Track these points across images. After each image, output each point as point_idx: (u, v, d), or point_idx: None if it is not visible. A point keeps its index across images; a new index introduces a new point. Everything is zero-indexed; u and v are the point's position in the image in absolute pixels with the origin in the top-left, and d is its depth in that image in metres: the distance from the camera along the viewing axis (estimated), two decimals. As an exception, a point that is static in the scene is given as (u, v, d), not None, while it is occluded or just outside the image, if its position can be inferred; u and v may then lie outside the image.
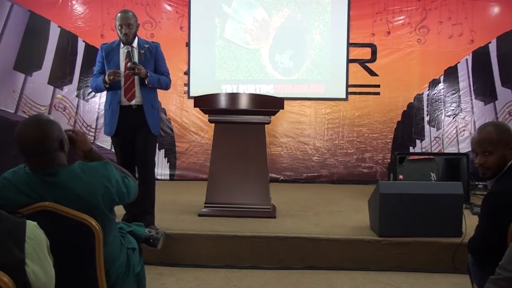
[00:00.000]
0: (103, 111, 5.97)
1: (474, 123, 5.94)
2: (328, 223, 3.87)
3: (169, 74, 3.72)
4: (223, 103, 4.01)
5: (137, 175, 3.71)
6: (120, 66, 3.53)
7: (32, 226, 1.39)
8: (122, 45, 3.56)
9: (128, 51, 3.47)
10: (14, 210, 1.60)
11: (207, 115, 4.16)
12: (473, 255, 2.16)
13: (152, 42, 3.72)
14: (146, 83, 3.50)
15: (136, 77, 3.48)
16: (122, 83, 3.51)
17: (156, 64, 3.62)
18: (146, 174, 3.64)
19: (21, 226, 1.36)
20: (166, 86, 3.71)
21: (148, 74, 3.48)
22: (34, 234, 1.38)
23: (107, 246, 1.83)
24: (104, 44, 3.68)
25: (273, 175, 5.75)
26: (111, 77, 3.42)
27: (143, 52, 3.53)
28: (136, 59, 3.49)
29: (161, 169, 5.83)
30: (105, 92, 3.65)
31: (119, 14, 3.52)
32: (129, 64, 3.43)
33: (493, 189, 2.10)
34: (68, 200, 1.75)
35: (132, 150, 3.62)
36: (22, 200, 1.73)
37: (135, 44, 3.56)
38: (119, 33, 3.50)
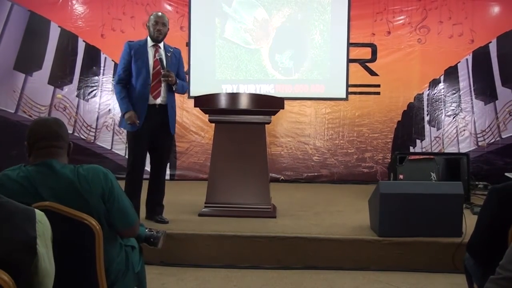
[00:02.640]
0: (103, 111, 6.05)
1: (474, 123, 5.94)
2: (328, 223, 3.88)
3: (186, 80, 4.04)
4: (223, 103, 4.01)
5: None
6: (149, 65, 3.68)
7: (40, 213, 1.43)
8: (150, 43, 3.71)
9: (160, 58, 3.63)
10: None
11: (207, 115, 4.16)
12: (469, 252, 2.15)
13: (175, 48, 3.89)
14: (174, 89, 3.72)
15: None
16: (150, 80, 3.66)
17: (178, 68, 3.82)
18: (161, 171, 3.90)
19: (32, 211, 1.41)
20: (185, 90, 4.02)
21: (177, 82, 3.70)
22: (43, 220, 1.42)
23: (105, 245, 1.83)
24: (130, 41, 3.79)
25: (273, 175, 5.75)
26: (128, 122, 3.61)
27: (169, 55, 3.74)
28: (165, 64, 3.66)
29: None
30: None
31: (155, 13, 3.78)
32: (163, 71, 3.62)
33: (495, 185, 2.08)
34: (64, 193, 1.77)
35: (147, 148, 3.76)
36: (21, 196, 1.73)
37: (161, 46, 3.74)
38: (151, 29, 3.69)
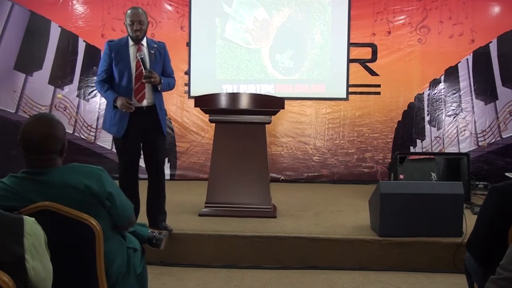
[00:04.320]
0: (103, 111, 6.03)
1: (475, 123, 5.93)
2: (328, 223, 3.88)
3: (173, 74, 3.72)
4: (223, 103, 4.01)
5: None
6: (130, 67, 3.44)
7: (30, 222, 1.39)
8: (131, 43, 3.47)
9: (141, 58, 3.37)
10: None
11: (207, 115, 4.16)
12: (469, 251, 2.15)
13: (159, 42, 3.64)
14: (159, 89, 3.47)
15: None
16: (133, 84, 3.44)
17: (164, 65, 3.59)
18: (159, 175, 3.63)
19: (19, 222, 1.36)
20: (172, 87, 3.73)
21: (162, 81, 3.45)
22: (33, 230, 1.38)
23: (105, 245, 1.83)
24: (110, 41, 3.55)
25: (274, 175, 5.74)
26: (123, 109, 3.35)
27: (153, 52, 3.48)
28: (148, 63, 3.42)
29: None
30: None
31: (129, 11, 3.45)
32: (144, 72, 3.36)
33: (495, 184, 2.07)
34: (58, 198, 1.75)
35: (138, 152, 3.57)
36: (14, 205, 1.72)
37: (144, 43, 3.49)
38: (129, 29, 3.42)
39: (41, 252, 1.38)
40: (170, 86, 3.65)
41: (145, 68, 3.37)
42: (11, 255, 1.29)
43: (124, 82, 3.43)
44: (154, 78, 3.38)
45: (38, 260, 1.36)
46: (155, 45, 3.53)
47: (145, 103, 3.47)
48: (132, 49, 3.45)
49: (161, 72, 3.52)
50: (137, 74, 3.43)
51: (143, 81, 3.39)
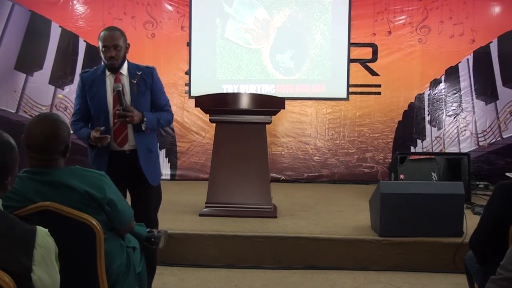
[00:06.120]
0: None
1: (475, 122, 5.93)
2: (329, 223, 3.88)
3: (170, 106, 2.99)
4: (224, 103, 4.01)
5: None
6: (107, 102, 2.77)
7: (42, 234, 1.38)
8: (108, 72, 2.79)
9: (118, 91, 2.68)
10: None
11: (208, 115, 4.16)
12: (471, 247, 2.15)
13: (146, 66, 2.89)
14: (143, 129, 2.77)
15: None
16: (111, 124, 2.77)
17: (153, 96, 2.87)
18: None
19: (31, 233, 1.35)
20: (167, 124, 3.05)
21: (145, 118, 2.75)
22: (44, 242, 1.37)
23: (105, 245, 1.83)
24: (84, 72, 2.89)
25: (274, 175, 5.75)
26: (98, 143, 2.67)
27: (135, 82, 2.77)
28: (128, 96, 2.76)
29: (162, 169, 5.81)
30: None
31: (102, 33, 2.74)
32: (118, 111, 2.69)
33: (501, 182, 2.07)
34: (58, 199, 1.75)
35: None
36: (14, 205, 1.72)
37: (124, 70, 2.79)
38: (103, 56, 2.73)
39: (49, 264, 1.38)
40: (162, 122, 2.92)
41: (121, 104, 2.69)
42: (19, 266, 1.29)
43: (101, 121, 2.76)
44: (131, 117, 2.68)
45: (46, 272, 1.36)
46: (139, 72, 2.81)
47: (127, 147, 2.80)
48: (109, 80, 2.78)
49: (148, 106, 2.86)
50: (115, 112, 2.73)
51: (115, 120, 2.73)
